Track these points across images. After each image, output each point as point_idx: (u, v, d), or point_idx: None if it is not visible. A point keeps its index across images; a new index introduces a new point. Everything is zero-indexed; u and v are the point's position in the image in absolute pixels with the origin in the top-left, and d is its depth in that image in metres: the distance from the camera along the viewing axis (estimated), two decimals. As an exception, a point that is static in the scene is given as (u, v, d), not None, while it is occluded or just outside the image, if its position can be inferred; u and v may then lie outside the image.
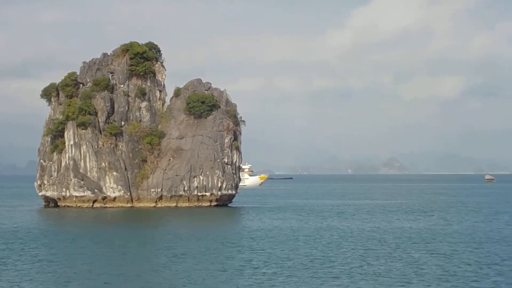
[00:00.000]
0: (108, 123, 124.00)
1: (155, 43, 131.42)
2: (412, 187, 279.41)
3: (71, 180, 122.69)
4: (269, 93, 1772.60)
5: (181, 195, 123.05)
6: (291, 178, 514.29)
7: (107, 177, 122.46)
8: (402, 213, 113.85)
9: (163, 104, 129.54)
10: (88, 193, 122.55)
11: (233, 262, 55.72)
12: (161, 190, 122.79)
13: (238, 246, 66.19)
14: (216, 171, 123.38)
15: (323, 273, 50.73)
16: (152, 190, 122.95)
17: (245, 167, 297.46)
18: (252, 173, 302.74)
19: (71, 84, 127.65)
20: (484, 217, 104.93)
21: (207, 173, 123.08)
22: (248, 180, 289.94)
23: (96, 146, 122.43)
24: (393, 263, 55.40)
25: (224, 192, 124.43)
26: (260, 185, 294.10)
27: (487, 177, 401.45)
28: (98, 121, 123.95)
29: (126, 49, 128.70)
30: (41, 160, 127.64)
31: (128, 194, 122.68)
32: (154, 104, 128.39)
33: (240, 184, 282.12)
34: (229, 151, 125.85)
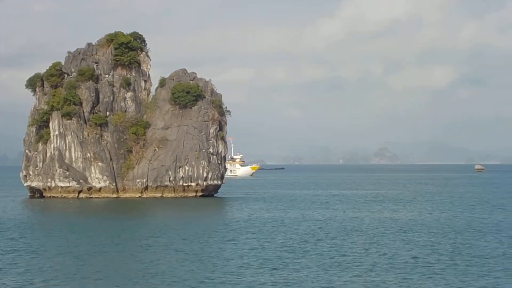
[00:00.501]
0: (93, 113, 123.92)
1: (140, 33, 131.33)
2: (400, 177, 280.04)
3: (56, 170, 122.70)
4: (261, 83, 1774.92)
5: (166, 186, 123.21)
6: (283, 168, 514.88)
7: (92, 167, 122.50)
8: (385, 203, 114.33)
9: (148, 94, 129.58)
10: (73, 184, 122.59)
11: (207, 252, 55.85)
12: (147, 180, 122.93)
13: (214, 237, 66.36)
14: (201, 161, 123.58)
15: (296, 263, 50.98)
16: (138, 180, 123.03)
17: (237, 157, 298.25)
18: (243, 163, 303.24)
19: (56, 74, 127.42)
20: (466, 207, 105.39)
21: (193, 163, 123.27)
22: (240, 170, 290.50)
23: (81, 137, 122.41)
24: (367, 253, 55.71)
25: (209, 182, 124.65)
26: (251, 175, 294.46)
27: (477, 167, 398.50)
28: (83, 111, 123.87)
29: (111, 39, 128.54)
30: (27, 151, 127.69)
31: (114, 184, 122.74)
32: (139, 94, 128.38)
33: (232, 174, 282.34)
34: (215, 141, 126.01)
